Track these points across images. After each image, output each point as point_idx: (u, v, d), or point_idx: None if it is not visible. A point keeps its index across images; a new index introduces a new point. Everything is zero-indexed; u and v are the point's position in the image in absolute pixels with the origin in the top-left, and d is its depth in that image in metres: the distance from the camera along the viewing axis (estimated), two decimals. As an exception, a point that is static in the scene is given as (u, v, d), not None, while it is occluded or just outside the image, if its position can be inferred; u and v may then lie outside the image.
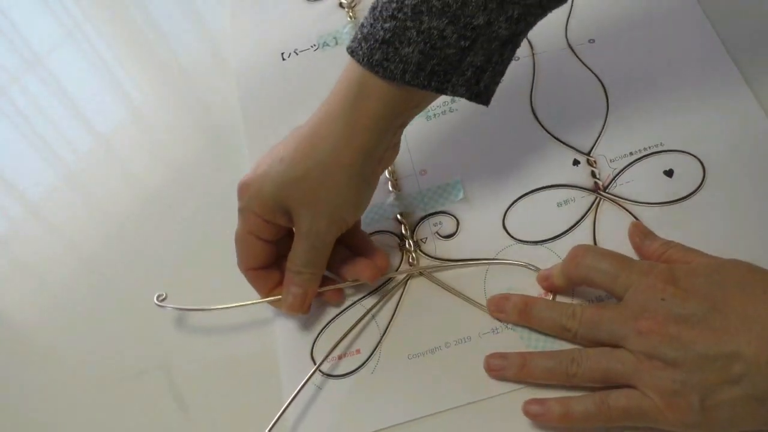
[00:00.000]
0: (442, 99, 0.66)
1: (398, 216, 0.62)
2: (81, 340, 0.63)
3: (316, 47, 0.71)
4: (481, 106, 0.54)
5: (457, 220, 0.61)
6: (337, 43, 0.71)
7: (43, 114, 0.79)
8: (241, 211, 0.56)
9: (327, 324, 0.58)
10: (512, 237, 0.60)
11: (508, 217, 0.61)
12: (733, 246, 0.55)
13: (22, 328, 0.65)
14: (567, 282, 0.55)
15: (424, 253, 0.60)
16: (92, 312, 0.64)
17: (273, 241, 0.57)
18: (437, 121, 0.66)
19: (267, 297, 0.58)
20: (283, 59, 0.70)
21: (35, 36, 0.85)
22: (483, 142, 0.64)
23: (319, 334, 0.58)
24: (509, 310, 0.56)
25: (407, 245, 0.60)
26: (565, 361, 0.52)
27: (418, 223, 0.62)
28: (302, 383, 0.54)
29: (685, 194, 0.59)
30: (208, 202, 0.67)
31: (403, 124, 0.56)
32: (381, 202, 0.62)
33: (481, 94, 0.53)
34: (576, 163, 0.62)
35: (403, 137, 0.61)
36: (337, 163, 0.53)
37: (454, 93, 0.52)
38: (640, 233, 0.56)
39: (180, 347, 0.60)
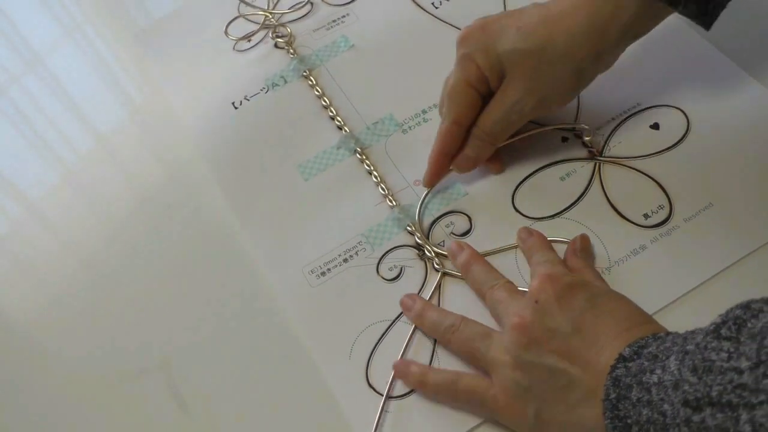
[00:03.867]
0: (414, 111, 0.67)
1: (407, 228, 0.61)
2: (81, 339, 0.62)
3: (266, 89, 0.70)
4: None
5: (468, 217, 0.61)
6: (286, 82, 0.71)
7: (43, 114, 0.78)
8: (463, 58, 0.58)
9: (374, 348, 0.57)
10: (528, 217, 0.60)
11: (517, 202, 0.61)
12: (726, 182, 0.58)
13: (22, 328, 0.65)
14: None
15: (446, 256, 0.59)
16: (92, 312, 0.63)
17: (482, 98, 0.59)
18: (413, 133, 0.66)
19: (441, 155, 0.60)
20: (236, 107, 0.70)
21: (35, 36, 0.85)
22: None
23: (369, 359, 0.56)
24: (459, 260, 0.58)
25: (427, 252, 0.60)
26: (448, 322, 0.54)
27: (430, 229, 0.61)
28: (378, 417, 0.54)
29: (675, 141, 0.61)
30: (208, 201, 0.67)
31: (636, 36, 0.57)
32: (384, 221, 0.62)
33: (708, 14, 0.54)
34: (564, 139, 0.63)
35: (385, 152, 0.63)
36: (571, 54, 0.56)
37: (686, 10, 0.54)
38: (573, 249, 0.56)
39: (180, 347, 0.60)
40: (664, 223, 0.57)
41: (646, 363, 0.43)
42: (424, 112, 0.67)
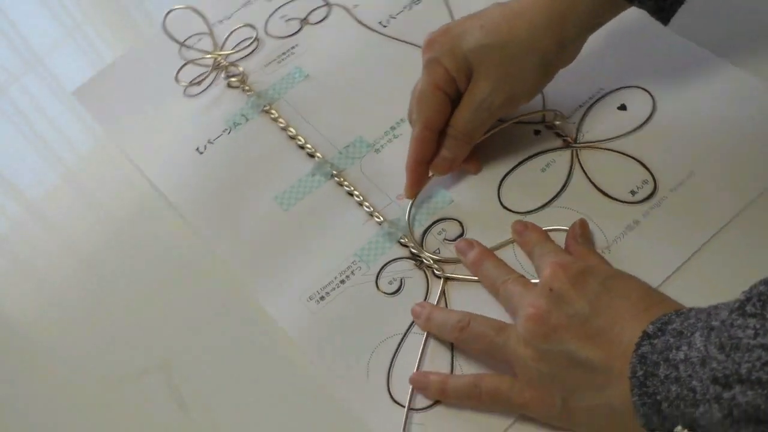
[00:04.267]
0: (383, 130, 0.67)
1: (400, 240, 0.61)
2: (81, 340, 0.62)
3: (229, 130, 0.70)
4: None
5: (459, 221, 0.61)
6: (247, 120, 0.70)
7: (43, 114, 0.79)
8: (429, 62, 0.59)
9: (391, 362, 0.56)
10: (518, 212, 0.60)
11: (504, 199, 0.61)
12: (702, 150, 0.60)
13: (22, 328, 0.64)
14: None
15: (444, 262, 0.59)
16: (92, 312, 0.63)
17: (451, 101, 0.59)
18: (386, 151, 0.66)
19: (417, 163, 0.61)
20: (201, 153, 0.69)
21: (35, 36, 0.85)
22: None
23: (388, 375, 0.55)
24: (469, 257, 0.58)
25: (425, 261, 0.59)
26: (454, 319, 0.54)
27: (423, 238, 0.61)
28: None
29: (644, 119, 0.63)
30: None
31: (595, 27, 0.59)
32: (374, 237, 0.61)
33: (665, 10, 0.56)
34: (537, 132, 0.64)
35: (361, 173, 0.64)
36: (534, 47, 0.57)
37: (642, 5, 0.56)
38: (573, 235, 0.57)
39: (180, 347, 0.59)
40: (651, 197, 0.59)
41: (672, 340, 0.43)
42: (392, 128, 0.67)
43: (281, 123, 0.68)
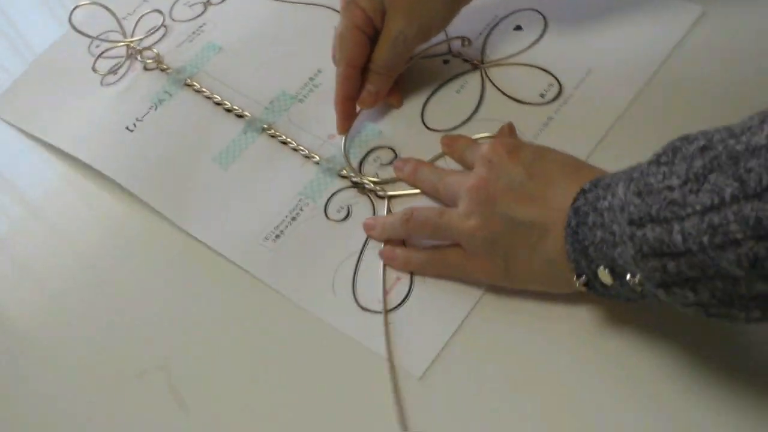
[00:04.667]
0: (303, 81, 0.71)
1: (340, 174, 0.65)
2: (81, 340, 0.62)
3: (155, 107, 0.72)
4: None
5: (391, 148, 0.66)
6: (171, 95, 0.73)
7: None
8: (347, 5, 0.63)
9: (354, 278, 0.60)
10: (444, 130, 0.66)
11: (428, 122, 0.67)
12: (594, 51, 0.67)
13: (22, 328, 0.64)
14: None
15: (385, 182, 0.64)
16: (92, 312, 0.63)
17: (369, 39, 0.64)
18: (310, 99, 0.70)
19: (345, 99, 0.65)
20: (131, 130, 0.71)
21: (35, 36, 0.85)
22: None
23: (353, 289, 0.60)
24: (405, 170, 0.63)
25: (366, 185, 0.64)
26: (398, 217, 0.59)
27: (360, 168, 0.65)
28: (385, 330, 0.57)
29: (539, 34, 0.70)
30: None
31: None
32: (315, 175, 0.65)
33: None
34: (446, 62, 0.70)
35: (290, 123, 0.68)
36: None
37: None
38: (502, 134, 0.63)
39: (180, 347, 0.60)
40: (558, 96, 0.65)
41: (601, 192, 0.48)
42: (311, 79, 0.71)
43: (205, 92, 0.72)
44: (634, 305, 0.50)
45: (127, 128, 0.71)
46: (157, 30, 0.78)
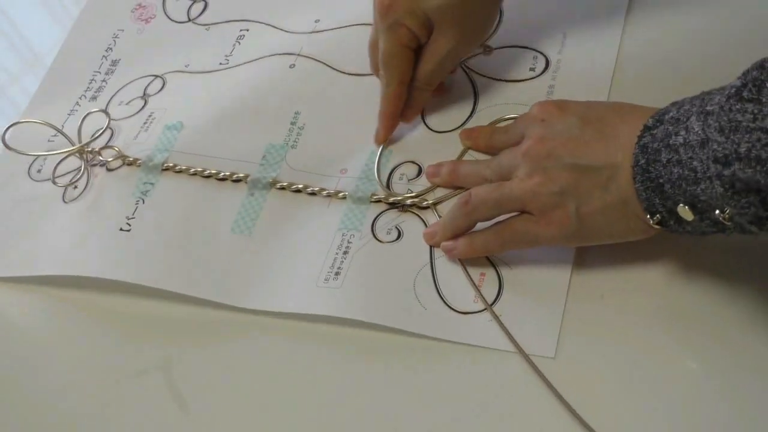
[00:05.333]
0: (285, 128, 0.69)
1: (372, 201, 0.63)
2: (81, 339, 0.62)
3: (142, 200, 0.67)
4: None
5: (411, 162, 0.65)
6: (154, 184, 0.68)
7: None
8: (393, 26, 0.61)
9: (436, 287, 0.59)
10: (455, 129, 0.66)
11: (435, 128, 0.67)
12: (561, 18, 0.69)
13: (21, 327, 0.65)
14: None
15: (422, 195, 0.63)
16: (92, 312, 0.63)
17: (415, 55, 0.63)
18: (301, 142, 0.68)
19: (393, 115, 0.65)
20: (127, 230, 0.66)
21: (35, 36, 0.85)
22: (330, 116, 0.69)
23: (441, 297, 0.58)
24: (443, 174, 0.62)
25: (405, 202, 0.62)
26: (457, 208, 0.57)
27: (389, 190, 0.64)
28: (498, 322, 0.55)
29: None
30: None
31: None
32: (347, 209, 0.63)
33: None
34: None
35: (292, 170, 0.66)
36: None
37: None
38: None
39: (180, 347, 0.60)
40: (548, 65, 0.68)
41: (671, 127, 0.48)
42: (293, 123, 0.69)
43: (189, 170, 0.68)
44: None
45: (121, 230, 0.66)
46: (104, 131, 0.72)
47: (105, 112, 0.73)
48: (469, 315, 0.56)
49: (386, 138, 0.66)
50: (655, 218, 0.49)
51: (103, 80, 0.77)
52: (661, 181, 0.48)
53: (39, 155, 0.72)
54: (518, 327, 0.55)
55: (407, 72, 0.63)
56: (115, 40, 0.80)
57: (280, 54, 0.74)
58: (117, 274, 0.63)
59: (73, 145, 0.71)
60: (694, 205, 0.47)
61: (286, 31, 0.76)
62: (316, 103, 0.70)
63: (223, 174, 0.67)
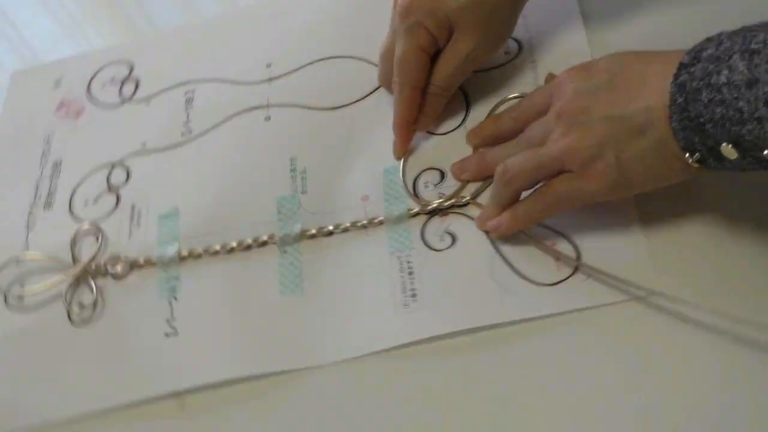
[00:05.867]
0: (287, 177, 0.67)
1: (410, 214, 0.62)
2: None
3: (174, 298, 0.64)
4: None
5: (432, 168, 0.65)
6: (178, 279, 0.65)
7: None
8: (412, 27, 0.60)
9: (512, 268, 0.59)
10: (453, 130, 0.66)
11: (440, 129, 0.67)
12: None
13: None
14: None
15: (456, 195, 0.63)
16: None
17: (431, 59, 0.62)
18: (310, 185, 0.66)
19: (408, 124, 0.64)
20: (172, 333, 0.63)
21: (35, 36, 0.86)
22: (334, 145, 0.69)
23: (519, 275, 0.58)
24: (472, 166, 0.63)
25: (442, 207, 0.62)
26: (497, 177, 0.57)
27: (422, 200, 0.63)
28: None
29: None
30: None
31: None
32: (389, 232, 0.62)
33: None
34: None
35: (313, 214, 0.65)
36: None
37: None
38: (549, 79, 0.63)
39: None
40: (521, 45, 0.69)
41: (711, 66, 0.46)
42: (292, 171, 0.67)
43: (209, 251, 0.65)
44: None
45: (166, 335, 0.62)
46: (101, 245, 0.68)
47: (94, 224, 0.69)
48: (561, 283, 0.57)
49: (405, 151, 0.65)
50: (694, 156, 0.49)
51: (50, 185, 0.73)
52: (701, 120, 0.47)
53: (38, 286, 0.67)
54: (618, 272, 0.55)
55: (422, 78, 0.62)
56: (48, 144, 0.76)
57: (248, 110, 0.72)
58: (182, 381, 0.60)
59: (68, 267, 0.67)
60: (739, 144, 0.47)
61: (238, 83, 0.74)
62: (308, 145, 0.69)
63: (246, 243, 0.64)
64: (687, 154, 0.49)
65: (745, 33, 0.46)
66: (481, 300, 0.57)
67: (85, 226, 0.69)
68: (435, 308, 0.58)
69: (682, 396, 0.51)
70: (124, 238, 0.68)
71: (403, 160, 0.65)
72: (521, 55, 0.68)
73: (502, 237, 0.59)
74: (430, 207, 0.62)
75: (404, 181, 0.64)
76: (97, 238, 0.68)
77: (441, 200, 0.62)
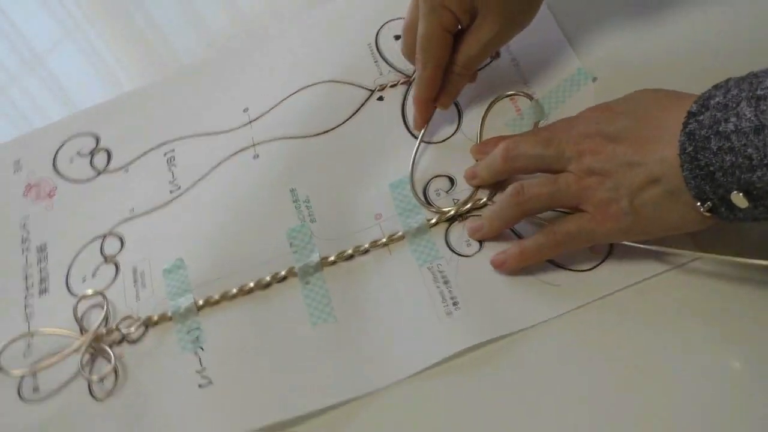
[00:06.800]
0: (293, 215, 0.65)
1: (431, 224, 0.62)
2: None
3: (200, 348, 0.62)
4: None
5: (439, 176, 0.64)
6: (200, 328, 0.62)
7: (43, 114, 0.80)
8: (434, 8, 0.60)
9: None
10: (449, 138, 0.67)
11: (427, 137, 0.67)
12: None
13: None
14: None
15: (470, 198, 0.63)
16: None
17: (454, 38, 0.62)
18: (318, 214, 0.65)
19: (428, 100, 0.65)
20: (206, 384, 0.60)
21: (35, 36, 0.86)
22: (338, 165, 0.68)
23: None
24: (483, 171, 0.62)
25: (461, 212, 0.62)
26: (507, 197, 0.58)
27: (437, 208, 0.63)
28: None
29: None
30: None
31: None
32: (413, 246, 0.62)
33: None
34: (380, 98, 0.71)
35: (329, 240, 0.63)
36: None
37: None
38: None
39: None
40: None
41: (718, 114, 0.47)
42: (295, 202, 0.66)
43: (227, 294, 0.63)
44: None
45: (200, 386, 0.60)
46: (105, 308, 0.64)
47: (99, 293, 0.65)
48: (600, 266, 0.58)
49: (423, 124, 0.66)
50: (705, 206, 0.49)
51: (41, 270, 0.69)
52: (711, 168, 0.47)
53: (54, 358, 0.62)
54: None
55: (444, 56, 0.62)
56: (26, 230, 0.71)
57: (233, 154, 0.70)
58: (230, 430, 0.57)
59: (76, 340, 0.63)
60: (749, 192, 0.47)
61: (218, 132, 0.72)
62: (305, 174, 0.67)
63: (264, 281, 0.62)
64: (699, 203, 0.50)
65: (752, 79, 0.47)
66: (528, 297, 0.58)
67: (89, 292, 0.65)
68: (482, 312, 0.58)
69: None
70: (131, 302, 0.65)
71: (411, 171, 0.65)
72: (505, 52, 0.69)
73: (506, 273, 0.58)
74: (448, 214, 0.62)
75: (415, 192, 0.64)
76: (103, 306, 0.64)
77: (458, 205, 0.62)
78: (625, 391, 0.53)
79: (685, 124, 0.49)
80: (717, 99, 0.48)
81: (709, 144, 0.47)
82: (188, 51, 0.83)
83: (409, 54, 0.65)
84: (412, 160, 0.65)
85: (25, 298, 0.68)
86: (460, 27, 0.62)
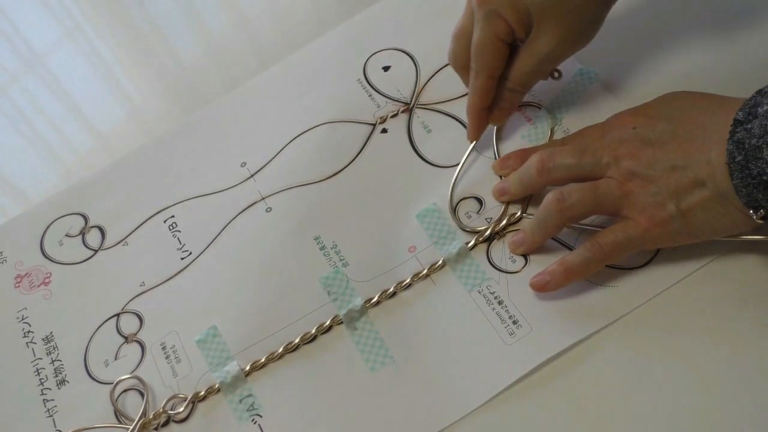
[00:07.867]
0: (319, 257, 0.64)
1: (469, 246, 0.61)
2: None
3: (259, 416, 0.59)
4: None
5: (470, 198, 0.64)
6: (253, 395, 0.59)
7: (43, 114, 0.80)
8: (489, 15, 0.58)
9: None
10: (458, 162, 0.66)
11: (435, 161, 0.67)
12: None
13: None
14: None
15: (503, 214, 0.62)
16: None
17: (509, 49, 0.60)
18: (352, 258, 0.63)
19: (481, 111, 0.63)
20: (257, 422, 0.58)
21: (35, 36, 0.86)
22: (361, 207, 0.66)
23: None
24: (512, 164, 0.63)
25: (498, 230, 0.61)
26: (550, 204, 0.56)
27: (473, 229, 0.62)
28: None
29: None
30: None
31: None
32: (457, 274, 0.60)
33: None
34: (384, 131, 0.70)
35: (362, 283, 0.62)
36: None
37: None
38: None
39: None
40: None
41: (767, 122, 0.47)
42: (322, 248, 0.64)
43: (274, 356, 0.60)
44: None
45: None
46: (145, 392, 0.61)
47: (132, 375, 0.62)
48: (651, 261, 0.57)
49: (477, 137, 0.65)
50: (759, 213, 0.49)
51: (53, 361, 0.64)
52: (765, 178, 0.47)
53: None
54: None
55: (498, 67, 0.60)
56: (25, 323, 0.67)
57: (243, 210, 0.68)
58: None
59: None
60: None
61: (219, 191, 0.70)
62: (326, 219, 0.65)
63: (309, 334, 0.60)
64: (751, 211, 0.49)
65: None
66: (587, 302, 0.57)
67: (124, 376, 0.61)
68: (545, 327, 0.57)
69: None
70: (168, 379, 0.61)
71: (450, 198, 0.64)
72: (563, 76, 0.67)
73: (548, 292, 0.57)
74: (486, 234, 0.61)
75: (455, 212, 0.63)
76: (141, 391, 0.61)
77: (493, 223, 0.61)
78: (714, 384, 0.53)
79: (732, 132, 0.48)
80: (765, 107, 0.47)
81: (761, 153, 0.46)
82: (188, 51, 0.82)
83: (455, 61, 0.63)
84: (455, 175, 0.65)
85: (42, 393, 0.63)
86: (518, 40, 0.60)
